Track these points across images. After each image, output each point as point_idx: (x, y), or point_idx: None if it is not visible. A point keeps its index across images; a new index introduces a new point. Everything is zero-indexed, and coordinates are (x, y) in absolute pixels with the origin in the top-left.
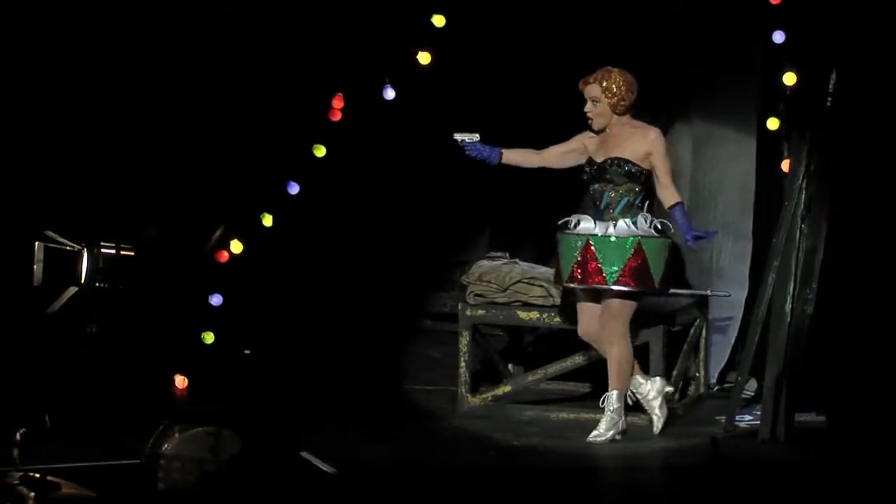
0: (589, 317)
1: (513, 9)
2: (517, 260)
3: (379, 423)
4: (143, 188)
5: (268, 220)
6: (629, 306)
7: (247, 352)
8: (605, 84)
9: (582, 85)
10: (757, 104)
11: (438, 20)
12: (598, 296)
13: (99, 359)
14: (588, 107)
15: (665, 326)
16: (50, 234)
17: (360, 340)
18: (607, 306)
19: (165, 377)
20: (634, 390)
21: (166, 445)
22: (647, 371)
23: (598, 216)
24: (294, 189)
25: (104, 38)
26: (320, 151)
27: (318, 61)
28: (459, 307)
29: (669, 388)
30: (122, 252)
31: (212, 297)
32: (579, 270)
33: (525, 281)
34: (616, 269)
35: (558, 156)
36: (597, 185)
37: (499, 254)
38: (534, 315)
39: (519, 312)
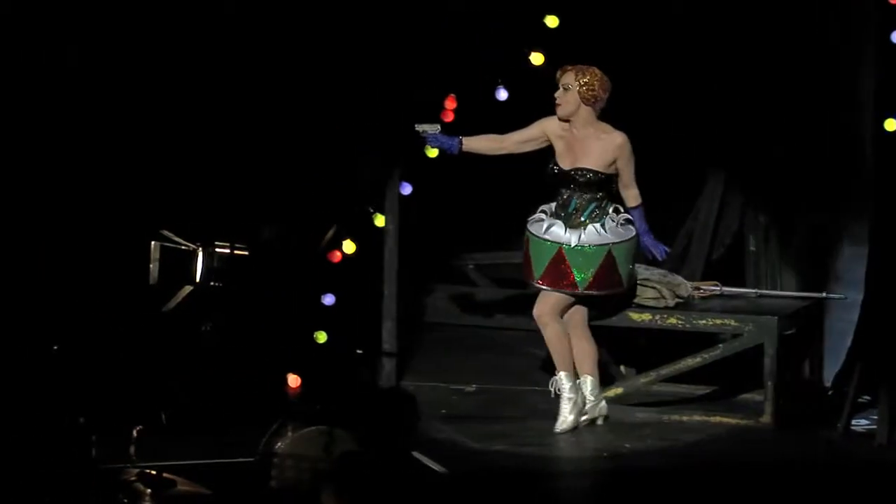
0: (545, 303)
1: (626, 9)
2: None
3: (491, 424)
4: (259, 188)
5: (380, 221)
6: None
7: (359, 351)
8: (579, 75)
9: (559, 73)
10: (875, 104)
11: (552, 21)
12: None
13: (213, 357)
14: (558, 93)
15: (780, 329)
16: (166, 233)
17: (471, 339)
18: (577, 309)
19: (279, 376)
20: (561, 386)
21: (280, 444)
22: (760, 374)
23: (566, 220)
24: (406, 189)
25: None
26: (432, 153)
27: (432, 61)
28: None
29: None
30: (237, 252)
31: (325, 296)
32: (550, 276)
33: (638, 283)
34: (586, 275)
35: (518, 143)
36: (563, 190)
37: None
38: (646, 316)
39: (631, 314)
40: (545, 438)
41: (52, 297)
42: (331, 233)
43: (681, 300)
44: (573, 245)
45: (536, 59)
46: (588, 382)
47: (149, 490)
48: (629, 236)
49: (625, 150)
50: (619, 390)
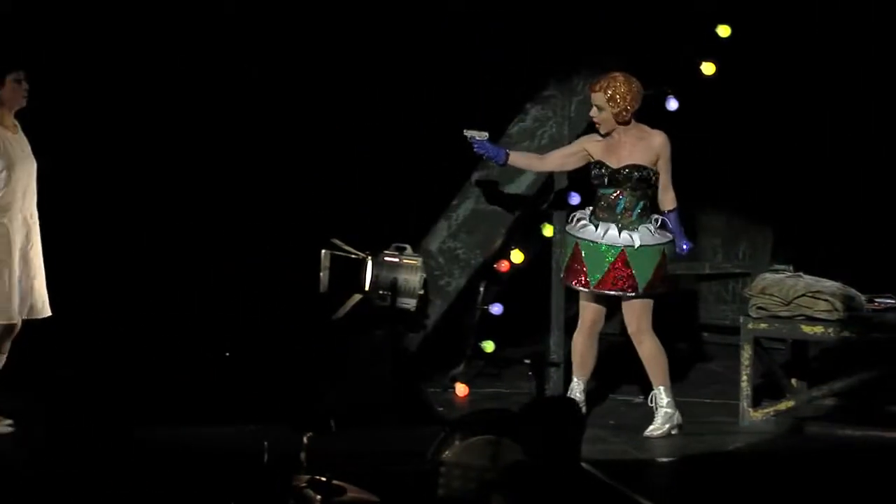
0: (633, 318)
1: (798, 19)
2: (801, 273)
3: (661, 437)
4: (426, 197)
5: (548, 231)
6: (651, 305)
7: (526, 361)
8: (609, 93)
9: (588, 90)
10: None
11: (724, 30)
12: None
13: (382, 365)
14: (593, 112)
15: None
16: (336, 241)
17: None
18: (632, 308)
19: (446, 385)
20: (661, 399)
21: (447, 453)
22: None
23: (615, 220)
24: (575, 199)
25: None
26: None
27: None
28: (741, 320)
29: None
30: (405, 260)
31: (492, 306)
32: (610, 279)
33: (810, 295)
34: (647, 276)
35: (560, 159)
36: (611, 190)
37: (783, 266)
38: (819, 329)
39: (803, 326)
40: (714, 450)
41: (225, 304)
42: (498, 242)
43: (854, 313)
44: (637, 247)
45: (708, 69)
46: (663, 392)
47: (319, 496)
48: (670, 236)
49: (666, 148)
50: (790, 403)
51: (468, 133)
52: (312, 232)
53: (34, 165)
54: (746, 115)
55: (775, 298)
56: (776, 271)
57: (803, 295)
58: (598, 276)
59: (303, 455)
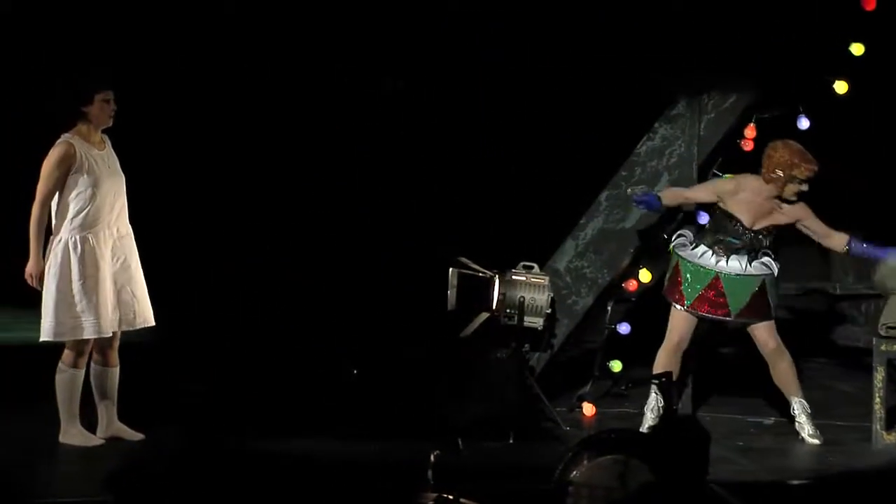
0: (770, 336)
1: None
2: None
3: (788, 457)
4: (554, 216)
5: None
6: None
7: (655, 381)
8: (765, 163)
9: (813, 168)
10: None
11: (857, 49)
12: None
13: (509, 384)
14: (803, 188)
15: None
16: (464, 260)
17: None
18: (769, 328)
19: (573, 404)
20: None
21: (575, 472)
22: None
23: (748, 249)
24: (703, 219)
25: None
26: None
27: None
28: (874, 342)
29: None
30: (533, 279)
31: (620, 325)
32: (751, 308)
33: None
34: (775, 302)
35: (708, 195)
36: (739, 243)
37: None
38: None
39: None
40: (846, 473)
41: (352, 322)
42: (626, 262)
43: None
44: (737, 274)
45: (840, 87)
46: (805, 403)
47: None
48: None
49: (808, 211)
50: None
51: (630, 189)
52: (441, 250)
53: (122, 181)
54: (879, 134)
55: None
56: None
57: None
58: (740, 305)
59: (430, 472)
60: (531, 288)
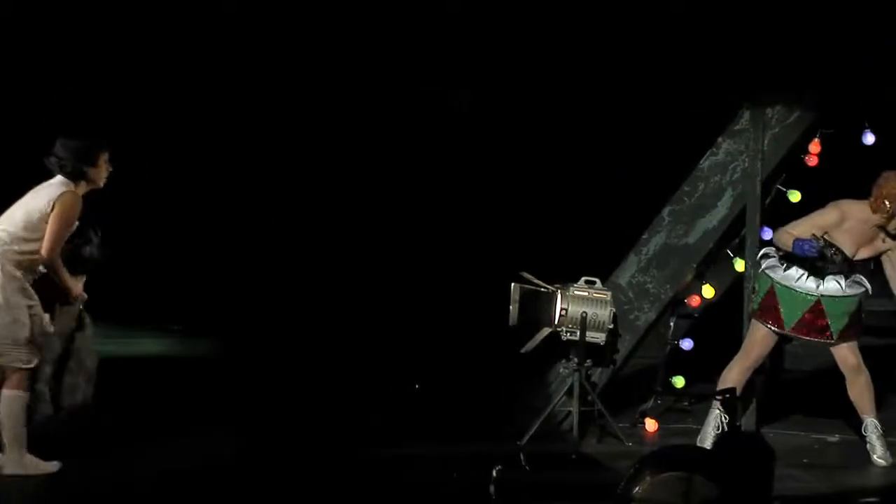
0: (854, 354)
1: None
2: None
3: (853, 475)
4: (617, 231)
5: (740, 266)
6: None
7: (725, 396)
8: (878, 191)
9: None
10: None
11: None
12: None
13: (569, 400)
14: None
15: None
16: (526, 275)
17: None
18: (851, 346)
19: (635, 420)
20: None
21: (637, 489)
22: None
23: (820, 272)
24: (767, 234)
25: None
26: (795, 197)
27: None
28: None
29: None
30: (595, 294)
31: (683, 341)
32: (852, 328)
33: None
34: (842, 323)
35: (814, 229)
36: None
37: None
38: None
39: None
40: None
41: (413, 337)
42: (690, 276)
43: None
44: (836, 296)
45: None
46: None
47: None
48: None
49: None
50: None
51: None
52: (503, 265)
53: None
54: None
55: None
56: None
57: None
58: (841, 325)
59: (492, 488)
60: (593, 303)
